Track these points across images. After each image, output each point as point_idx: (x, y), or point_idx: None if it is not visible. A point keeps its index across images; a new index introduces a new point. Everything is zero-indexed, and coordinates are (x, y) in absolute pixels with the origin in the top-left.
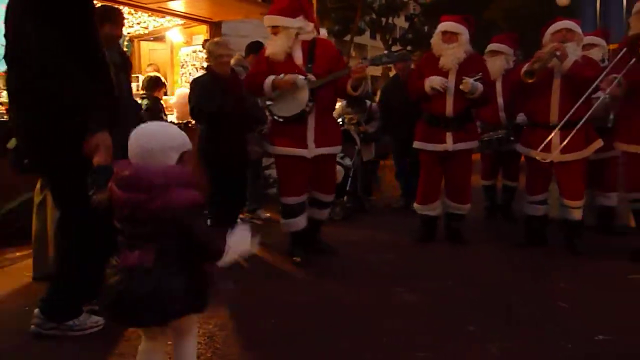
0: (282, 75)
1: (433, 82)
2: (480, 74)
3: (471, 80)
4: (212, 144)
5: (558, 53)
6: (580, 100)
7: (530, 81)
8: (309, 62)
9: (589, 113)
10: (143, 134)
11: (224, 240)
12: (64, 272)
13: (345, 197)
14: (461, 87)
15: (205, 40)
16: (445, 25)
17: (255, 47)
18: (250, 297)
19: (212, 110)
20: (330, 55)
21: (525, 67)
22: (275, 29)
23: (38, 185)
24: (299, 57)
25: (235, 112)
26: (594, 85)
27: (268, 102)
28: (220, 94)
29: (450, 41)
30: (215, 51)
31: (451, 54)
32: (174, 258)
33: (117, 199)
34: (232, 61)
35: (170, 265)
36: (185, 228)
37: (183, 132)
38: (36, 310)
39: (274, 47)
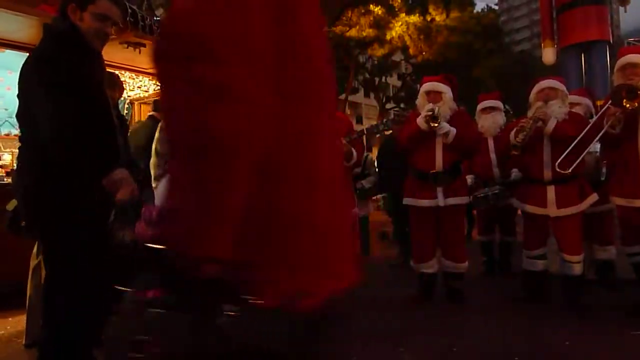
0: None
1: (423, 113)
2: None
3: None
4: None
5: (540, 118)
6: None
7: (516, 153)
8: None
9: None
10: None
11: None
12: (49, 340)
13: None
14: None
15: None
16: (428, 86)
17: None
18: None
19: None
20: (343, 128)
21: (511, 139)
22: None
23: (35, 249)
24: None
25: None
26: (576, 140)
27: None
28: None
29: (435, 100)
30: None
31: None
32: None
33: (146, 237)
34: None
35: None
36: None
37: None
38: None
39: None
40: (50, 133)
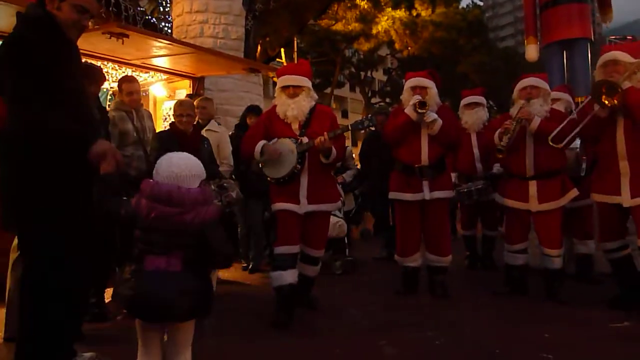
0: (274, 140)
1: (412, 102)
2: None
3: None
4: None
5: (524, 118)
6: None
7: (501, 157)
8: (304, 127)
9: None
10: (177, 162)
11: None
12: (27, 333)
13: (347, 251)
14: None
15: (188, 95)
16: (414, 81)
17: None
18: (233, 357)
19: None
20: (327, 122)
21: (495, 141)
22: (297, 89)
23: (15, 242)
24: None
25: None
26: (556, 132)
27: (261, 165)
28: (176, 149)
29: (421, 95)
30: (176, 110)
31: None
32: (192, 264)
33: (148, 211)
34: None
35: (190, 270)
36: (205, 237)
37: (201, 164)
38: None
39: (299, 107)
40: (25, 119)
